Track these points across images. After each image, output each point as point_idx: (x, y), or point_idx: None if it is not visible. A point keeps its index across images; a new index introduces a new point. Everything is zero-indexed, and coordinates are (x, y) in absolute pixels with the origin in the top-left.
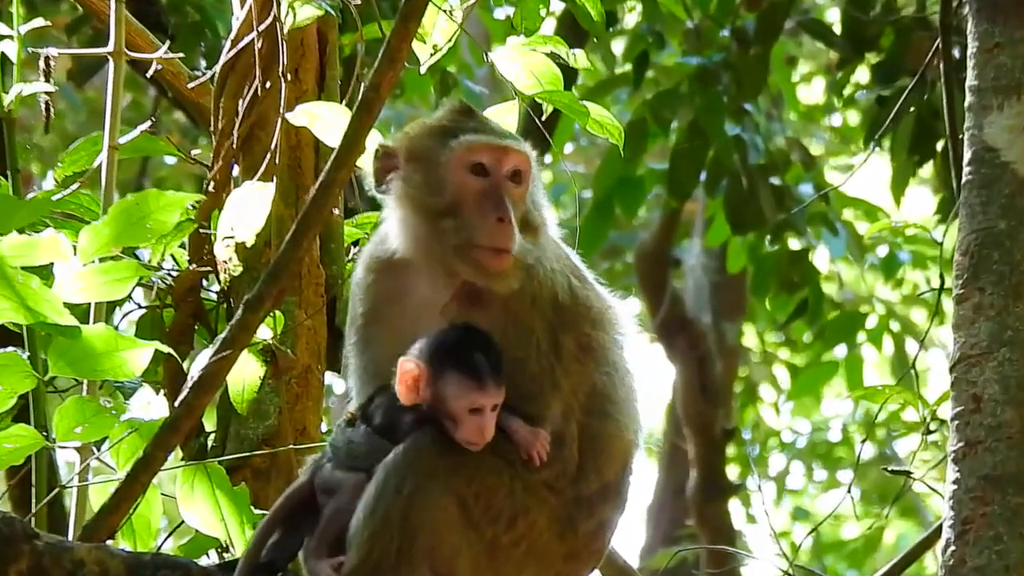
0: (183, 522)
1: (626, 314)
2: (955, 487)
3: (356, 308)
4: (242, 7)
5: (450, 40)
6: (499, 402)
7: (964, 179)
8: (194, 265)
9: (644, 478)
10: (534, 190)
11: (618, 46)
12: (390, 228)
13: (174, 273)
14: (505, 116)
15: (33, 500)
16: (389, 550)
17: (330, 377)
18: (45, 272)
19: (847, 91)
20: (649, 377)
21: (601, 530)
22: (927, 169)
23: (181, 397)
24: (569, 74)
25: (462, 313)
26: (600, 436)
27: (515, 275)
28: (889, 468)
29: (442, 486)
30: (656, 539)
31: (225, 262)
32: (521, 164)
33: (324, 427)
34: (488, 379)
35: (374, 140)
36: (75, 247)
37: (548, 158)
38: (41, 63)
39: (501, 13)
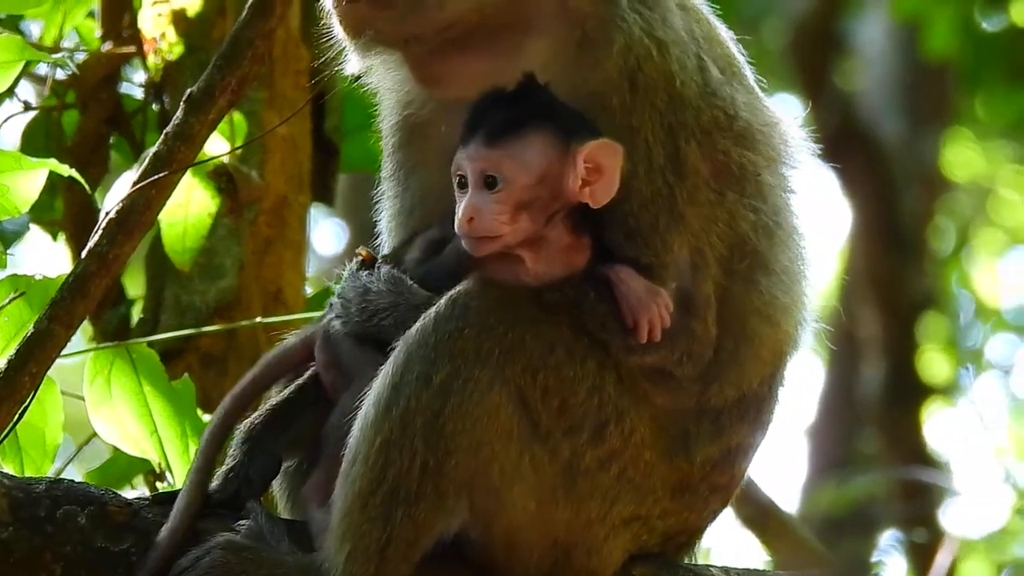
0: (94, 435)
1: (797, 135)
2: None
3: (388, 114)
4: None
5: None
6: (487, 168)
7: None
8: (109, 44)
9: (804, 381)
10: None
11: None
12: None
13: (79, 57)
14: None
15: None
16: (408, 469)
17: (318, 214)
18: None
19: None
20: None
21: (730, 460)
22: None
23: (90, 244)
24: None
25: None
26: (746, 316)
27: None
28: None
29: (493, 374)
30: (819, 466)
31: (156, 39)
32: None
33: (308, 290)
34: (482, 131)
35: None
36: None
37: None
38: None
39: None
